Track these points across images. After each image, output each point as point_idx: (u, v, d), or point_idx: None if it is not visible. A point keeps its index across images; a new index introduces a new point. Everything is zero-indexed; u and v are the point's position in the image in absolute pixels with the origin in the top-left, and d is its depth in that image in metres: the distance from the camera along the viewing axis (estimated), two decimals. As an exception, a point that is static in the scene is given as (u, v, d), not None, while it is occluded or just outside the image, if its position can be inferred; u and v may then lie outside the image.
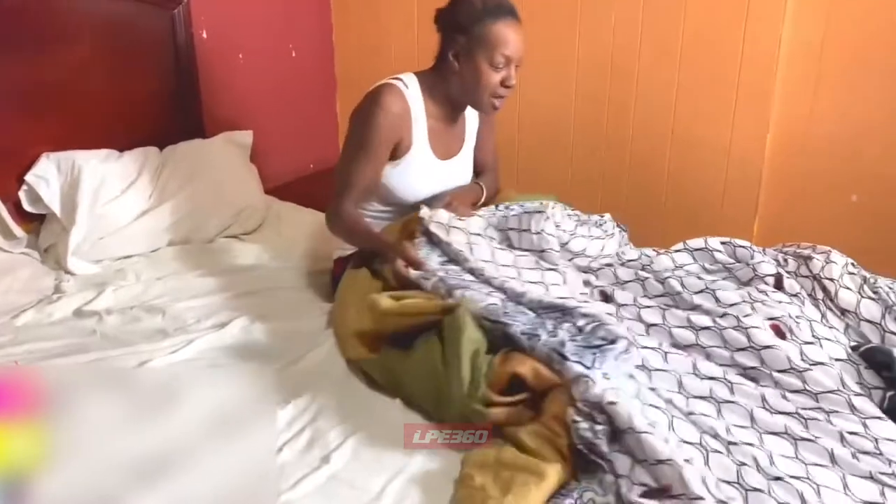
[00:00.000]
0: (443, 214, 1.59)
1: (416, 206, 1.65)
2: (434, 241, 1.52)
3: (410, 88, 1.67)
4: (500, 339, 1.21)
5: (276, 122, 2.64)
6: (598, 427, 1.05)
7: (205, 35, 2.36)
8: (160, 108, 2.27)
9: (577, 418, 1.07)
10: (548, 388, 1.14)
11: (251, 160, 2.38)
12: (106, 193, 1.96)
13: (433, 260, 1.47)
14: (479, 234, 1.57)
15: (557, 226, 1.58)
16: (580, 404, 1.08)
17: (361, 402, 1.32)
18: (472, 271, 1.44)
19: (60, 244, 1.88)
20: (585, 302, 1.35)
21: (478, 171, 1.90)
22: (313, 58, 2.79)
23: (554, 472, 1.04)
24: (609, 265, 1.57)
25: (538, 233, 1.56)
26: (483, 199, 1.81)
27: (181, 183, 2.09)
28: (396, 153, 1.68)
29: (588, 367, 1.11)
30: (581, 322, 1.22)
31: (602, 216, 1.72)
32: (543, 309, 1.28)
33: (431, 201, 1.69)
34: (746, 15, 2.11)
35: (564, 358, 1.12)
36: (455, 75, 1.65)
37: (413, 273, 1.42)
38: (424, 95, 1.69)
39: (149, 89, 2.23)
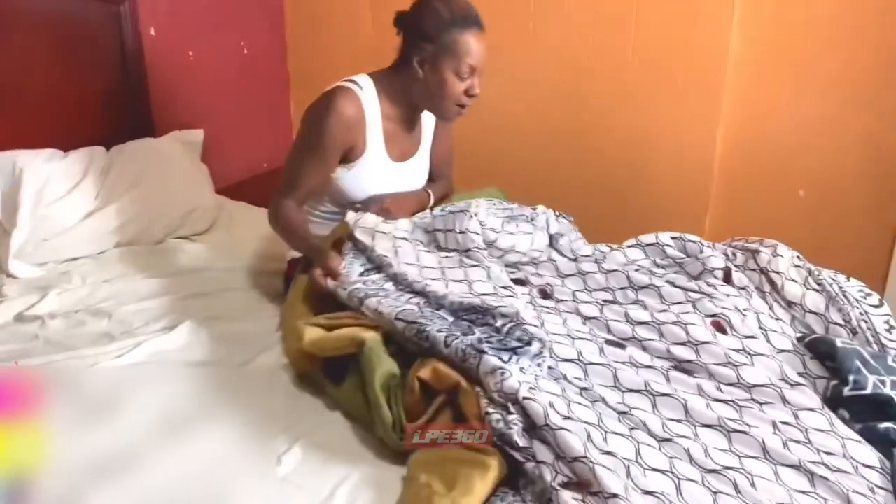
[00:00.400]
0: (369, 219, 1.57)
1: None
2: (360, 248, 1.51)
3: (365, 91, 1.65)
4: (421, 347, 1.21)
5: (228, 120, 2.60)
6: (511, 417, 1.06)
7: (153, 32, 2.31)
8: (107, 106, 2.21)
9: (490, 410, 1.07)
10: (450, 387, 1.14)
11: (202, 159, 2.34)
12: (50, 194, 1.90)
13: (355, 269, 1.45)
14: (405, 238, 1.56)
15: (483, 224, 1.58)
16: (495, 395, 1.08)
17: (311, 406, 1.30)
18: (395, 277, 1.43)
19: (1, 247, 1.82)
20: (508, 296, 1.35)
21: (431, 176, 1.88)
22: (266, 55, 2.75)
23: (497, 463, 1.04)
24: (552, 260, 1.57)
25: (462, 232, 1.55)
26: (430, 206, 1.79)
27: (129, 183, 2.04)
28: (350, 156, 1.66)
29: (504, 361, 1.12)
30: (499, 323, 1.23)
31: (535, 209, 1.72)
32: (464, 311, 1.28)
33: (368, 202, 1.68)
34: (696, 16, 2.14)
35: (481, 352, 1.13)
36: (418, 82, 1.64)
37: (330, 284, 1.41)
38: (380, 97, 1.67)
39: (95, 87, 2.18)
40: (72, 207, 1.94)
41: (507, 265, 1.57)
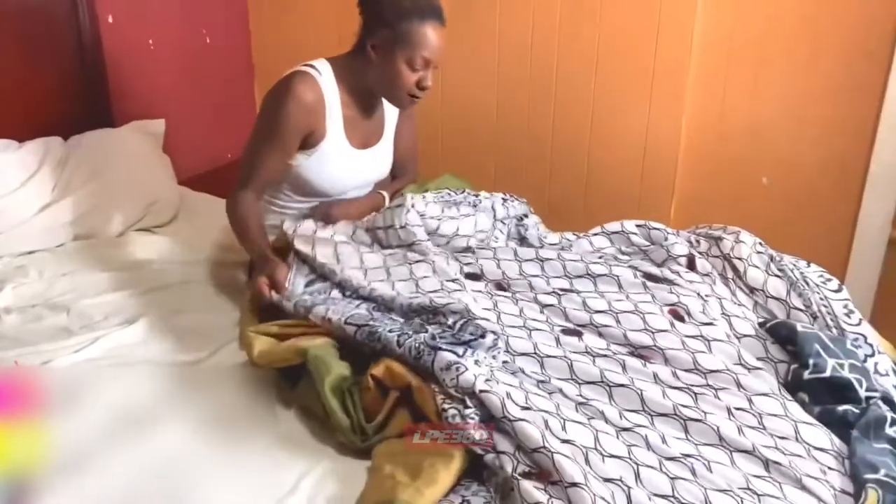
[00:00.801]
0: (307, 226, 1.55)
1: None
2: (301, 258, 1.49)
3: (324, 76, 1.63)
4: (375, 349, 1.21)
5: (191, 110, 2.55)
6: (468, 411, 1.05)
7: (111, 20, 2.25)
8: (64, 96, 2.16)
9: (446, 406, 1.07)
10: (404, 385, 1.14)
11: (164, 150, 2.29)
12: (3, 186, 1.85)
13: (299, 283, 1.44)
14: (346, 242, 1.55)
15: (422, 214, 1.57)
16: (452, 390, 1.08)
17: (273, 400, 1.28)
18: (340, 284, 1.42)
19: (-46, 241, 1.77)
20: (457, 290, 1.35)
21: (394, 169, 1.86)
22: (229, 44, 2.70)
23: (461, 453, 1.03)
24: (510, 247, 1.57)
25: (403, 227, 1.54)
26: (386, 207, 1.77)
27: (88, 174, 1.99)
28: (309, 142, 1.63)
29: (459, 356, 1.11)
30: (451, 321, 1.23)
31: (477, 195, 1.72)
32: (413, 311, 1.28)
33: (314, 211, 1.67)
34: (660, 6, 2.15)
35: (435, 349, 1.13)
36: (371, 66, 1.61)
37: (274, 296, 1.39)
38: (339, 83, 1.65)
39: (51, 76, 2.12)
40: (27, 199, 1.89)
41: (458, 251, 1.56)
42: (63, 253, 1.87)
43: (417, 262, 1.44)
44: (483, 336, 1.18)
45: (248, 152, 1.64)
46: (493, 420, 1.06)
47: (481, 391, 1.06)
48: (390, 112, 1.79)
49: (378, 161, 1.78)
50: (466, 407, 1.06)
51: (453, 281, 1.39)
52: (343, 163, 1.68)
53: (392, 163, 1.84)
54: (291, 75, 1.60)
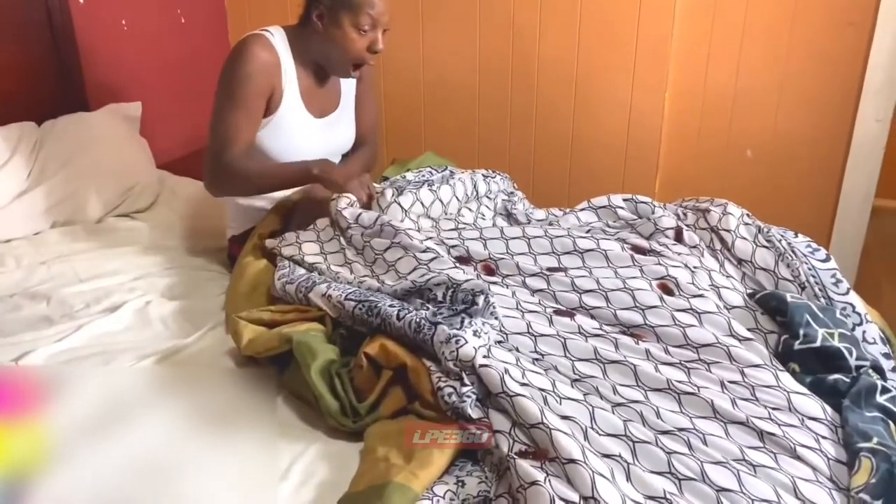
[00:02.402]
0: (290, 236, 1.51)
1: None
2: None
3: (277, 38, 1.60)
4: (372, 325, 1.20)
5: (168, 92, 2.50)
6: (465, 389, 1.05)
7: (81, 1, 2.19)
8: (35, 79, 2.10)
9: (442, 384, 1.06)
10: (398, 364, 1.13)
11: (141, 133, 2.24)
12: (-24, 174, 1.81)
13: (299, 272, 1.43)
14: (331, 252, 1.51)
15: (405, 210, 1.55)
16: (451, 364, 1.07)
17: (261, 383, 1.26)
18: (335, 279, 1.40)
19: (-74, 231, 1.73)
20: (433, 258, 1.33)
21: (357, 140, 1.82)
22: (204, 24, 2.65)
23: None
24: (496, 226, 1.56)
25: (392, 228, 1.47)
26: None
27: (63, 160, 1.94)
28: (268, 108, 1.59)
29: (458, 329, 1.10)
30: (439, 294, 1.22)
31: (454, 172, 1.71)
32: (403, 298, 1.26)
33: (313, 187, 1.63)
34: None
35: (435, 323, 1.12)
36: (318, 36, 1.58)
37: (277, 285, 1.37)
38: (292, 50, 1.61)
39: (22, 60, 2.06)
40: (1, 187, 1.84)
41: (447, 231, 1.54)
42: (41, 241, 1.83)
43: (387, 249, 1.41)
44: (475, 300, 1.17)
45: (214, 123, 1.58)
46: (489, 396, 1.05)
47: (480, 366, 1.05)
48: (347, 82, 1.75)
49: (339, 131, 1.74)
50: (463, 385, 1.05)
51: (424, 252, 1.36)
52: (302, 131, 1.64)
53: (354, 132, 1.80)
54: (245, 38, 1.57)
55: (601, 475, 0.91)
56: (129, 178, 2.04)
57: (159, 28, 2.47)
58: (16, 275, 1.66)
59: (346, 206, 1.50)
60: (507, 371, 1.06)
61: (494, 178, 1.72)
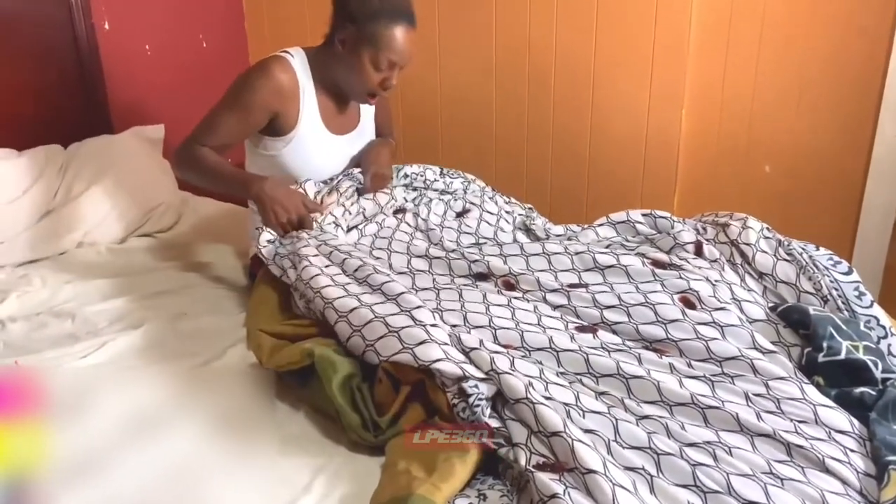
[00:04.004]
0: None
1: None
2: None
3: (298, 60, 1.64)
4: None
5: (190, 115, 2.51)
6: (471, 399, 1.04)
7: (107, 26, 2.25)
8: (63, 104, 2.16)
9: (457, 400, 1.06)
10: (415, 380, 1.12)
11: (164, 155, 2.28)
12: (4, 195, 1.85)
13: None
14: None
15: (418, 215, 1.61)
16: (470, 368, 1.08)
17: (282, 398, 1.27)
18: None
19: (-44, 252, 1.76)
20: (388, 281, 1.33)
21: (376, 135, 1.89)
22: (225, 48, 2.70)
23: (476, 447, 1.02)
24: (517, 241, 1.57)
25: (399, 240, 1.56)
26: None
27: (88, 181, 1.99)
28: (283, 129, 1.63)
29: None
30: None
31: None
32: None
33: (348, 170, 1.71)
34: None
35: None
36: (338, 59, 1.61)
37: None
38: (313, 71, 1.65)
39: (49, 85, 2.12)
40: (28, 208, 1.89)
41: (468, 247, 1.55)
42: (66, 260, 1.86)
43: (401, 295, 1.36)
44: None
45: (208, 115, 1.65)
46: (505, 406, 1.04)
47: (503, 372, 1.06)
48: None
49: (357, 146, 1.79)
50: (468, 395, 1.05)
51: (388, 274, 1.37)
52: (321, 149, 1.68)
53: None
54: (268, 58, 1.62)
55: (622, 487, 0.90)
56: (152, 199, 2.07)
57: (182, 52, 2.53)
58: (42, 294, 1.68)
59: (266, 243, 1.52)
60: (531, 384, 1.05)
61: (454, 175, 1.81)
